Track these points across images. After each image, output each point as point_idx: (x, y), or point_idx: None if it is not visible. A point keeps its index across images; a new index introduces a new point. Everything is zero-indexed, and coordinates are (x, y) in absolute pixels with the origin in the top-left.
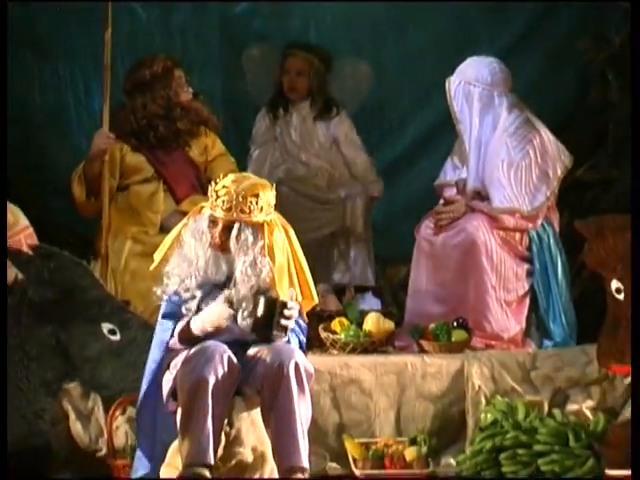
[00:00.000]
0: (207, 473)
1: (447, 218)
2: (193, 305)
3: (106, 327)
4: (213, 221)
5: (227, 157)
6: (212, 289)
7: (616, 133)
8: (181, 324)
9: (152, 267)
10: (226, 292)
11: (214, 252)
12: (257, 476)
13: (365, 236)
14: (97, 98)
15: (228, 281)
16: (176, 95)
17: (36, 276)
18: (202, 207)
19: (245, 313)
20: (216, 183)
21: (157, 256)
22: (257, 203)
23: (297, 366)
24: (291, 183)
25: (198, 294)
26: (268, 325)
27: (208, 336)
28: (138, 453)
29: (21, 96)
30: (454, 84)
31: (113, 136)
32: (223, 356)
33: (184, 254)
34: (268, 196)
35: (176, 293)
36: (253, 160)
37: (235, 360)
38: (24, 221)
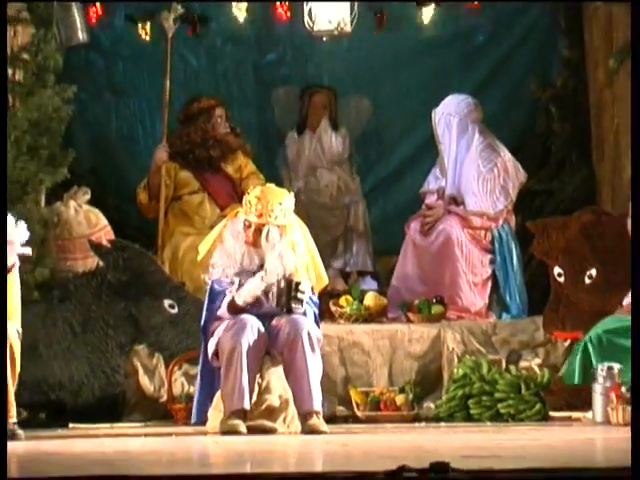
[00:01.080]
0: (242, 425)
1: (431, 221)
2: (234, 288)
3: (167, 302)
4: (248, 224)
5: (257, 175)
6: (247, 276)
7: (557, 154)
8: (227, 299)
9: (199, 258)
10: (260, 273)
11: (248, 247)
12: (281, 418)
13: (365, 233)
14: (159, 127)
15: (259, 269)
16: (213, 129)
17: (113, 264)
18: (237, 212)
19: (273, 294)
20: (249, 194)
21: (202, 249)
22: (281, 210)
23: (309, 334)
24: (308, 193)
25: (236, 280)
26: (288, 299)
27: (247, 308)
28: (196, 402)
29: (102, 126)
30: (438, 114)
31: (168, 149)
32: (253, 326)
33: (225, 249)
34: (289, 203)
35: (219, 279)
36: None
37: (262, 329)
38: (104, 221)
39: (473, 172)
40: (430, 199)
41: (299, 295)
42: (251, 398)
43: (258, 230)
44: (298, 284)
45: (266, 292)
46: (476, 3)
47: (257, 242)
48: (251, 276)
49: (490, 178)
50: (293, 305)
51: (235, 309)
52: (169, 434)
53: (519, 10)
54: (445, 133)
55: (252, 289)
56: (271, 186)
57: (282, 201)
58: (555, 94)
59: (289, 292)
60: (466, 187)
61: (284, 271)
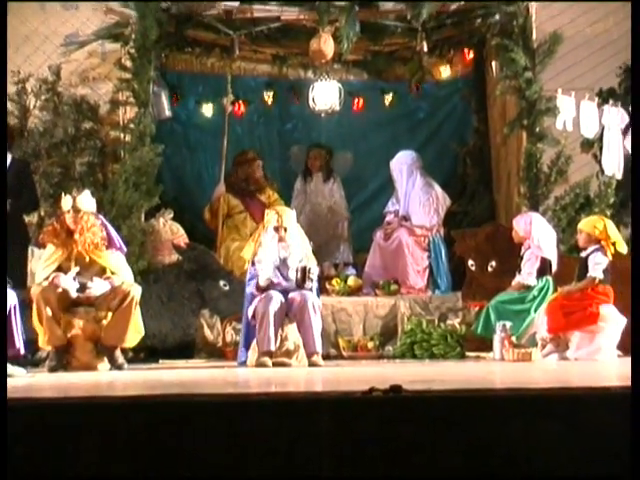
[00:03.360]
0: (269, 361)
1: (390, 231)
2: (260, 276)
3: (222, 282)
4: (276, 228)
5: (279, 201)
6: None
7: (470, 188)
8: (254, 283)
9: (243, 254)
10: (266, 274)
11: (278, 243)
12: (295, 357)
13: (348, 238)
14: (218, 171)
15: (286, 257)
16: (252, 173)
17: (187, 258)
18: (267, 222)
19: (294, 276)
20: (270, 212)
21: (247, 249)
22: (286, 220)
23: (312, 302)
24: (310, 215)
25: (271, 268)
26: (303, 279)
27: (270, 287)
28: (240, 346)
29: (180, 170)
30: (394, 164)
31: (224, 188)
32: (276, 298)
33: (265, 248)
34: (293, 215)
35: (253, 270)
36: (293, 201)
37: (283, 299)
38: (182, 231)
39: (417, 201)
40: (389, 217)
41: (311, 275)
42: (275, 344)
43: (282, 230)
44: (310, 270)
45: (285, 276)
46: (417, 91)
47: (284, 239)
48: (281, 265)
49: (427, 204)
50: (306, 284)
51: (260, 289)
52: (222, 366)
53: (446, 96)
54: (398, 176)
55: (262, 280)
56: (284, 207)
57: (289, 214)
58: (469, 150)
59: (304, 274)
60: (412, 210)
61: (301, 259)
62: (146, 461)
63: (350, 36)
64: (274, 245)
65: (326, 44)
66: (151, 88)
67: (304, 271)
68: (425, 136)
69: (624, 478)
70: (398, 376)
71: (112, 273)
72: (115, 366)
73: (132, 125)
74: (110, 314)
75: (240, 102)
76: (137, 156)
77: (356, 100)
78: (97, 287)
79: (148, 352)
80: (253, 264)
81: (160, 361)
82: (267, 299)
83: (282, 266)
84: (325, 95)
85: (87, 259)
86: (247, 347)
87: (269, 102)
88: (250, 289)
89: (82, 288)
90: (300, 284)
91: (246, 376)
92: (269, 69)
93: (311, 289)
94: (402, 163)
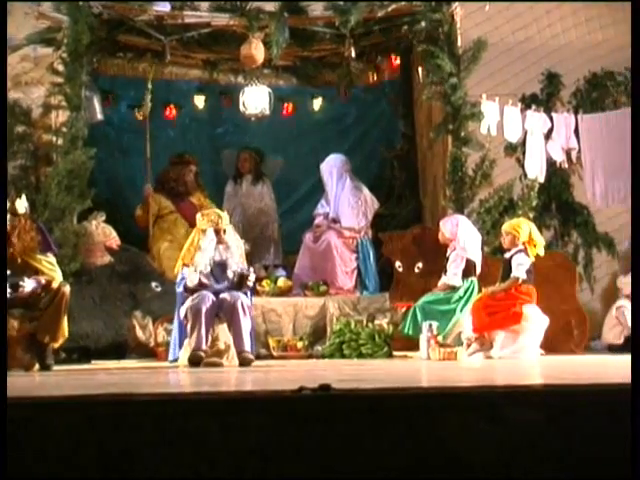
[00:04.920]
0: (202, 354)
1: (319, 233)
2: (189, 277)
3: (154, 284)
4: (217, 230)
5: (210, 204)
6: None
7: (397, 191)
8: (183, 284)
9: (182, 259)
10: (195, 273)
11: (218, 245)
12: (225, 356)
13: (278, 240)
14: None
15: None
16: (183, 175)
17: (119, 260)
18: (206, 225)
19: (229, 278)
20: (207, 216)
21: (186, 255)
22: (225, 222)
23: (242, 303)
24: (241, 218)
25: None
26: (240, 285)
27: (204, 287)
28: (171, 346)
29: (113, 173)
30: (323, 167)
31: (152, 190)
32: (207, 298)
33: (203, 251)
34: (227, 217)
35: (183, 272)
36: (225, 203)
37: (214, 299)
38: (114, 233)
39: (346, 203)
40: (318, 219)
41: (248, 283)
42: (206, 343)
43: (220, 233)
44: (248, 277)
45: (216, 278)
46: (346, 96)
47: (223, 240)
48: (218, 266)
49: (356, 207)
50: (242, 290)
51: (189, 290)
52: (154, 367)
53: (373, 101)
54: (328, 179)
55: (190, 280)
56: (217, 210)
57: (226, 216)
58: (396, 154)
59: (241, 279)
60: (342, 212)
61: (237, 265)
62: (81, 461)
63: (280, 42)
64: (212, 248)
65: (256, 49)
66: (83, 92)
67: (242, 277)
68: (353, 140)
69: (548, 473)
70: (327, 375)
71: (42, 274)
72: (44, 366)
73: (64, 129)
74: (43, 313)
75: (171, 106)
76: (70, 159)
77: (286, 105)
78: (29, 285)
79: (81, 353)
80: (186, 266)
81: (93, 362)
82: (199, 299)
83: (218, 267)
84: (255, 100)
85: (19, 261)
86: (179, 347)
87: (200, 106)
88: (181, 290)
89: (14, 287)
90: (237, 289)
91: (177, 376)
92: (200, 74)
93: (251, 291)
94: (332, 166)
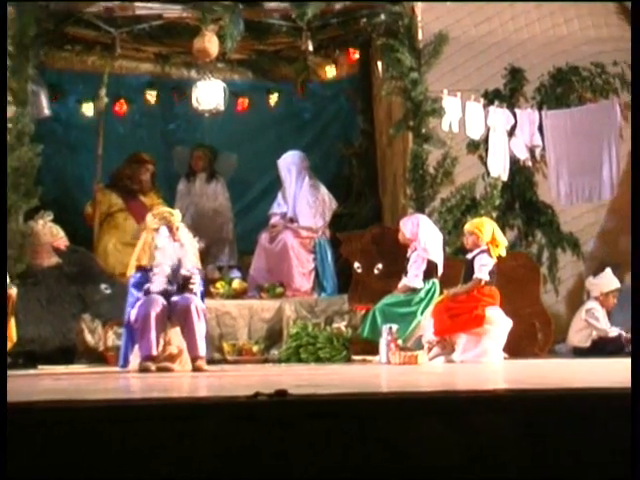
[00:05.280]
0: (150, 364)
1: (275, 233)
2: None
3: (103, 286)
4: (170, 228)
5: (162, 203)
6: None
7: (356, 190)
8: (145, 288)
9: (138, 260)
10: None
11: (173, 243)
12: (178, 361)
13: (233, 241)
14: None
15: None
16: (139, 173)
17: (68, 261)
18: (157, 223)
19: (176, 281)
20: (158, 214)
21: (142, 256)
22: (177, 219)
23: (196, 306)
24: (194, 217)
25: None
26: (184, 287)
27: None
28: (122, 351)
29: (61, 171)
30: (281, 164)
31: (102, 186)
32: (158, 301)
33: (162, 250)
34: (179, 215)
35: (136, 274)
36: (177, 202)
37: (165, 303)
38: (62, 233)
39: (304, 202)
40: (274, 219)
41: (190, 286)
42: (158, 348)
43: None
44: (191, 279)
45: (170, 281)
46: (303, 91)
47: (178, 239)
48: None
49: (314, 206)
50: (188, 289)
51: (149, 293)
52: (104, 372)
53: (332, 97)
54: (286, 176)
55: (159, 284)
56: (170, 209)
57: (178, 213)
58: (355, 152)
59: (185, 281)
60: (299, 211)
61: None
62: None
63: (234, 35)
64: (170, 247)
65: (210, 42)
66: (30, 87)
67: (185, 279)
68: (311, 137)
69: (512, 477)
70: (284, 380)
71: None
72: None
73: (10, 124)
74: None
75: (122, 101)
76: (16, 156)
77: (241, 100)
78: None
79: (26, 357)
80: (141, 269)
81: (39, 367)
82: (148, 303)
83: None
84: (209, 95)
85: None
86: (129, 352)
87: (152, 101)
88: (137, 294)
89: None
90: (181, 291)
91: (127, 381)
92: (152, 68)
93: (195, 293)
94: (290, 163)
